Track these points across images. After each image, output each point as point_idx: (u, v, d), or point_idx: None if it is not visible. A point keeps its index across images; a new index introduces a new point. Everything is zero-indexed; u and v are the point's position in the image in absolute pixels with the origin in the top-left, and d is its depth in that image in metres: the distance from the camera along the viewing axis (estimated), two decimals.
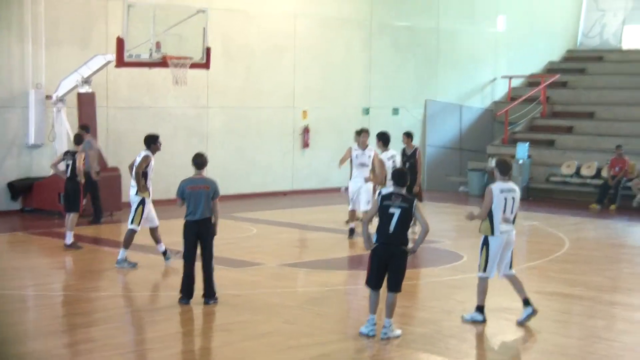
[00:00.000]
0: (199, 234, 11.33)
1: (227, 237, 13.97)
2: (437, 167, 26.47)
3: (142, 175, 13.62)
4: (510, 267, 10.94)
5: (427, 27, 27.20)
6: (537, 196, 23.98)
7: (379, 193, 14.39)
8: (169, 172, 19.85)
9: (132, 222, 13.62)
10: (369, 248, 10.13)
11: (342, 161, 16.63)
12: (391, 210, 9.87)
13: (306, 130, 24.00)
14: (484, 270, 10.68)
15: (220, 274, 11.83)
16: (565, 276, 13.76)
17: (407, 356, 9.42)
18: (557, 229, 18.43)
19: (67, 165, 15.11)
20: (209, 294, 11.35)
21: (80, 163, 14.97)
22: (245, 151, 22.20)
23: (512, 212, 10.63)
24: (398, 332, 10.01)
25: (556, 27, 31.35)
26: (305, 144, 23.65)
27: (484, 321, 10.60)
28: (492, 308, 11.58)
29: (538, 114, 27.54)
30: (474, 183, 24.97)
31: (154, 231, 13.89)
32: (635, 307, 11.70)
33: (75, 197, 15.07)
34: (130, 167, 13.95)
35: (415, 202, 9.98)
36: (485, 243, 10.66)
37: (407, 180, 10.35)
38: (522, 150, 24.36)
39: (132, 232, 13.60)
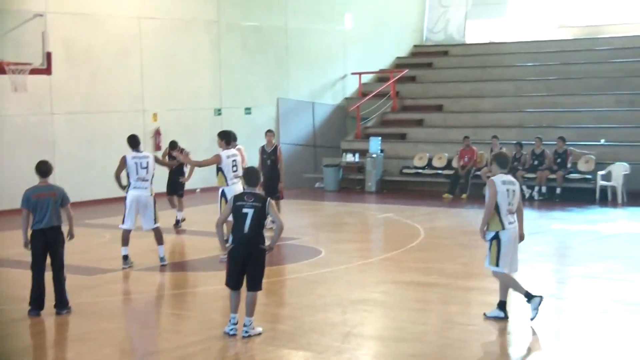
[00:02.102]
0: (48, 243, 11.00)
1: (79, 245, 13.62)
2: (293, 164, 26.62)
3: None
4: None
5: (276, 27, 27.37)
6: (391, 188, 24.52)
7: (222, 193, 14.43)
8: (13, 182, 19.18)
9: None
10: (225, 250, 10.12)
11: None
12: (244, 210, 9.86)
13: (157, 133, 23.70)
14: (497, 264, 10.43)
15: (73, 283, 11.53)
16: (420, 265, 14.11)
17: (269, 353, 9.44)
18: (412, 219, 18.90)
19: None
20: (61, 304, 11.04)
21: None
22: (94, 156, 21.69)
23: (514, 206, 10.47)
24: (259, 329, 10.02)
25: (402, 24, 32.17)
26: (157, 147, 23.33)
27: (505, 318, 10.45)
28: (352, 300, 11.79)
29: (389, 109, 28.15)
30: (329, 179, 25.28)
31: None
32: (488, 290, 12.07)
33: None
34: None
35: (268, 200, 10.00)
36: (496, 237, 10.40)
37: (259, 178, 10.41)
38: (375, 145, 24.85)
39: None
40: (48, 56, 17.94)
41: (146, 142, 23.49)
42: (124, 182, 14.15)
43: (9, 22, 17.63)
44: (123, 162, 14.07)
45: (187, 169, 18.15)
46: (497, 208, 10.38)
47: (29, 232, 11.06)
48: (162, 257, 14.14)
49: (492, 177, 10.58)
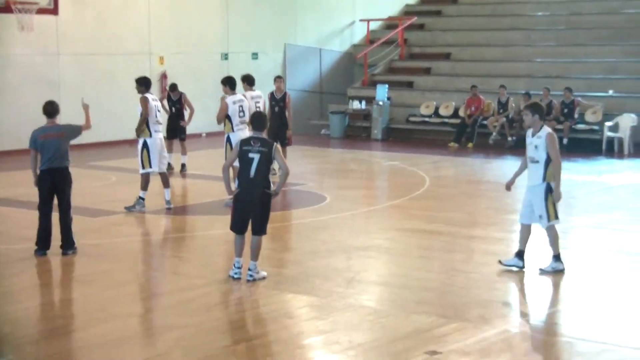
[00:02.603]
0: (55, 184, 11.01)
1: (85, 186, 13.69)
2: (299, 110, 26.44)
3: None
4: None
5: None
6: (397, 136, 24.48)
7: (227, 139, 14.40)
8: (20, 121, 19.23)
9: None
10: (231, 194, 10.12)
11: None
12: (250, 155, 9.83)
13: (164, 77, 23.60)
14: (556, 216, 10.20)
15: (78, 224, 11.58)
16: (425, 213, 14.13)
17: (273, 297, 9.50)
18: (418, 167, 18.88)
19: None
20: (67, 245, 11.10)
21: None
22: (100, 99, 21.57)
23: None
24: (263, 273, 10.07)
25: None
26: (164, 90, 23.23)
27: (523, 268, 10.32)
28: (356, 246, 11.84)
29: (396, 56, 27.97)
30: (335, 126, 25.26)
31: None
32: (492, 239, 12.14)
33: None
34: None
35: (275, 145, 9.95)
36: (550, 190, 10.12)
37: (266, 124, 10.31)
38: (381, 92, 24.75)
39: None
40: None
41: (153, 85, 23.41)
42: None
43: None
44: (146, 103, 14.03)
45: (187, 112, 18.12)
46: (548, 161, 10.15)
47: (38, 172, 11.08)
48: (168, 201, 14.18)
49: (549, 130, 10.20)
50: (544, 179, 10.17)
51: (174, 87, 18.35)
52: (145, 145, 13.96)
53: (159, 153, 14.05)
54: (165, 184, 14.18)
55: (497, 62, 26.17)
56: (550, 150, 10.11)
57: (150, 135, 13.96)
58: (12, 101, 20.40)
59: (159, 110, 14.22)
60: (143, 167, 13.98)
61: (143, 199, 13.96)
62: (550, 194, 10.17)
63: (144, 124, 13.97)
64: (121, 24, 22.75)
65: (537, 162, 10.21)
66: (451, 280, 10.15)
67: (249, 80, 15.44)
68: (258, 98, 15.38)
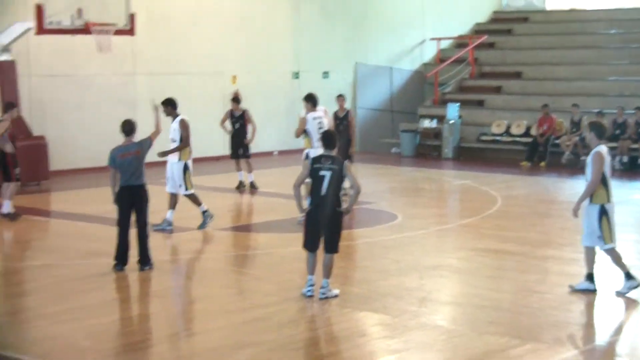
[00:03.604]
0: (133, 201, 11.24)
1: (161, 203, 13.86)
2: (369, 129, 26.63)
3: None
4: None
5: None
6: (468, 155, 24.32)
7: (306, 156, 14.54)
8: (97, 140, 19.66)
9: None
10: (303, 211, 10.18)
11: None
12: (322, 172, 9.90)
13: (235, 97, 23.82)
14: (611, 240, 10.07)
15: (155, 240, 11.77)
16: (497, 232, 14.01)
17: (345, 315, 9.52)
18: (489, 186, 18.73)
19: None
20: (144, 260, 11.31)
21: (1, 131, 14.53)
22: None
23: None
24: (336, 291, 10.10)
25: None
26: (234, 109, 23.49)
27: (595, 291, 10.14)
28: (428, 266, 11.80)
29: (467, 75, 27.85)
30: (406, 144, 25.21)
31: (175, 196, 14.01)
32: (566, 260, 11.98)
33: (3, 167, 14.74)
34: None
35: (346, 163, 10.01)
36: (603, 212, 10.01)
37: (337, 142, 10.30)
38: (452, 111, 24.67)
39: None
40: (132, 17, 18.13)
41: (225, 104, 23.75)
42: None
43: None
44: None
45: (249, 129, 18.18)
46: (603, 180, 10.03)
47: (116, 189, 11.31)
48: (170, 222, 14.04)
49: (597, 149, 10.06)
50: (592, 199, 10.06)
51: (237, 99, 18.41)
52: (186, 167, 13.99)
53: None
54: (173, 205, 14.11)
55: (569, 80, 25.86)
56: (590, 167, 9.98)
57: (189, 158, 14.06)
58: (90, 120, 20.86)
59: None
60: (187, 189, 13.95)
61: (206, 211, 14.03)
62: (605, 216, 10.01)
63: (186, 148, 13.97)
64: (194, 44, 23.09)
65: (587, 181, 10.13)
66: (525, 300, 10.05)
67: (312, 101, 15.17)
68: (319, 118, 15.23)
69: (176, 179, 13.96)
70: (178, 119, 13.97)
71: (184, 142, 13.91)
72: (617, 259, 10.18)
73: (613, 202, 10.16)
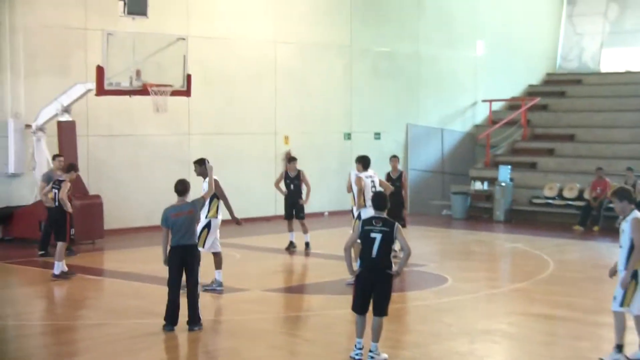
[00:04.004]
0: (184, 260, 11.28)
1: (211, 263, 13.93)
2: (420, 190, 26.55)
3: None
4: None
5: (408, 52, 27.40)
6: (520, 218, 24.09)
7: (358, 216, 14.55)
8: (150, 199, 19.92)
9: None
10: (352, 273, 10.14)
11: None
12: (372, 235, 9.86)
13: (287, 157, 24.02)
14: (629, 304, 9.84)
15: (204, 300, 11.81)
16: (549, 297, 13.81)
17: None
18: (541, 250, 18.50)
19: (55, 194, 15.00)
20: (194, 321, 11.30)
21: (64, 192, 14.86)
22: (227, 177, 21.97)
23: None
24: (385, 356, 9.98)
25: (535, 51, 31.67)
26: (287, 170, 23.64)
27: None
28: (479, 330, 11.65)
29: (519, 137, 27.74)
30: (457, 206, 25.08)
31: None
32: None
33: (61, 225, 14.95)
34: None
35: (396, 225, 9.96)
36: (636, 277, 9.77)
37: (387, 203, 10.29)
38: (504, 173, 24.53)
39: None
40: (188, 78, 18.41)
41: (277, 164, 23.95)
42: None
43: (153, 45, 18.17)
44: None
45: (304, 190, 18.22)
46: (631, 247, 9.83)
47: (168, 249, 11.39)
48: (220, 282, 13.99)
49: (635, 214, 9.85)
50: (626, 266, 9.79)
51: (292, 158, 18.52)
52: (208, 225, 13.85)
53: (215, 234, 14.00)
54: (218, 265, 14.03)
55: (623, 143, 25.60)
56: (634, 235, 9.73)
57: (216, 217, 13.99)
58: (144, 179, 21.14)
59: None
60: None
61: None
62: (635, 280, 9.74)
63: (216, 206, 13.92)
64: (248, 105, 23.39)
65: (621, 247, 9.91)
66: None
67: (364, 162, 15.14)
68: (372, 177, 15.27)
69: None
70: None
71: (206, 194, 13.79)
72: (619, 325, 9.94)
73: None
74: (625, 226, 9.92)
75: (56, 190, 14.98)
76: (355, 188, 14.67)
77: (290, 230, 18.32)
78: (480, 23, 29.59)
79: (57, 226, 15.05)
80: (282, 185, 18.44)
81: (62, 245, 14.87)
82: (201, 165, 13.85)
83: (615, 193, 10.25)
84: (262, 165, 23.78)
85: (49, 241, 16.75)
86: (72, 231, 15.05)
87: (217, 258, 14.00)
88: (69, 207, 14.95)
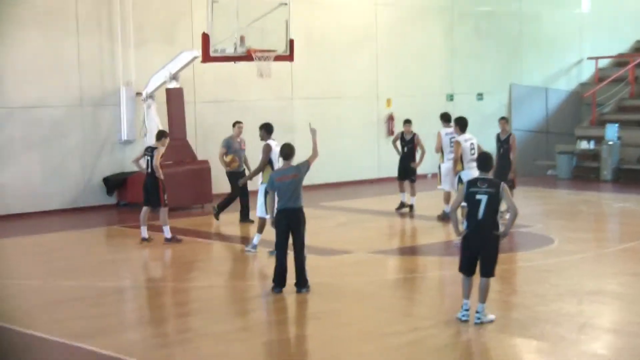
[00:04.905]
0: (290, 224, 11.33)
1: (316, 226, 14.01)
2: (525, 151, 25.93)
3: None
4: None
5: (510, 11, 26.86)
6: (628, 177, 23.40)
7: (459, 179, 14.50)
8: (256, 163, 20.07)
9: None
10: (459, 235, 10.05)
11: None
12: (478, 196, 9.76)
13: (391, 119, 23.95)
14: None
15: (311, 263, 11.85)
16: None
17: (502, 341, 9.31)
18: None
19: (147, 161, 15.08)
20: (301, 283, 11.37)
21: (157, 159, 14.91)
22: (331, 141, 22.11)
23: None
24: (492, 317, 9.89)
25: None
26: (391, 132, 23.58)
27: None
28: (587, 291, 11.40)
29: (627, 94, 26.88)
30: (562, 166, 24.59)
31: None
32: None
33: (155, 192, 14.98)
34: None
35: (502, 185, 9.80)
36: None
37: (492, 164, 10.20)
38: (611, 132, 23.88)
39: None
40: (291, 43, 18.38)
41: (380, 127, 23.88)
42: None
43: (256, 11, 18.22)
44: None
45: (418, 154, 18.16)
46: None
47: (275, 212, 11.47)
48: (255, 245, 14.02)
49: None
50: None
51: (408, 121, 18.42)
52: (267, 191, 13.85)
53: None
54: (261, 229, 13.98)
55: None
56: None
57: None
58: (249, 144, 21.29)
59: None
60: (267, 212, 13.40)
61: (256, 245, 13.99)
62: None
63: (262, 171, 13.87)
64: (350, 69, 23.36)
65: None
66: None
67: (462, 124, 15.40)
68: (470, 139, 15.25)
69: (258, 201, 13.97)
70: (264, 143, 14.03)
71: (258, 167, 13.94)
72: None
73: None
74: None
75: (149, 158, 14.99)
76: (449, 151, 14.64)
77: (402, 191, 18.29)
78: None
79: (150, 192, 15.02)
80: (399, 144, 18.36)
81: (164, 211, 15.00)
82: (261, 130, 14.12)
83: None
84: (365, 129, 23.78)
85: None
86: (166, 196, 15.13)
87: (263, 222, 13.93)
88: (161, 174, 14.94)
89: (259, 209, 14.02)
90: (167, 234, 15.03)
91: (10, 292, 12.05)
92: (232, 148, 16.69)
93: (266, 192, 13.60)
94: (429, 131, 23.22)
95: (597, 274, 12.64)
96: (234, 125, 17.20)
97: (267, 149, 13.95)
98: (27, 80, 18.74)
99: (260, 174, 14.03)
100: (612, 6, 29.21)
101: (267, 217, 13.44)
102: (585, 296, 11.18)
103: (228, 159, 16.50)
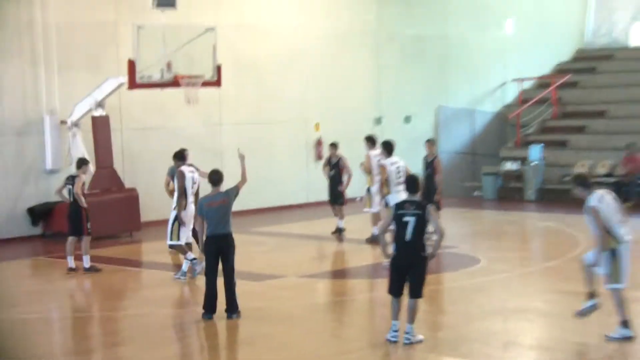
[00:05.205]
0: (220, 249, 11.42)
1: (245, 251, 14.10)
2: (451, 172, 26.43)
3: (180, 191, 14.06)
4: None
5: (435, 35, 27.24)
6: (551, 197, 24.00)
7: (386, 203, 14.76)
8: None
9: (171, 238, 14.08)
10: (388, 257, 10.25)
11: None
12: (405, 218, 9.93)
13: (319, 143, 24.13)
14: (618, 281, 10.11)
15: (241, 288, 11.93)
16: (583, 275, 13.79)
17: None
18: (573, 228, 18.43)
19: (69, 190, 15.01)
20: (232, 308, 11.44)
21: (78, 187, 14.85)
22: (259, 166, 22.14)
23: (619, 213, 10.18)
24: (421, 337, 10.09)
25: (564, 28, 31.27)
26: (319, 156, 23.78)
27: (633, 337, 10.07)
28: (512, 309, 11.73)
29: (549, 116, 27.61)
30: (488, 187, 25.07)
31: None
32: None
33: (78, 220, 14.91)
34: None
35: (429, 207, 10.04)
36: (614, 254, 10.10)
37: (420, 187, 10.42)
38: (535, 152, 24.51)
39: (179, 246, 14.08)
40: (218, 69, 18.48)
41: (308, 152, 24.08)
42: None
43: (183, 37, 18.28)
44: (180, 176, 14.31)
45: (345, 178, 18.37)
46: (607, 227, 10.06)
47: (204, 238, 11.56)
48: (184, 272, 14.03)
49: (590, 203, 10.04)
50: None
51: (334, 145, 18.63)
52: (177, 217, 14.08)
53: (188, 224, 14.13)
54: (184, 253, 14.14)
55: None
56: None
57: (185, 208, 14.09)
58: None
59: (194, 182, 14.37)
60: (171, 239, 14.06)
61: (195, 258, 13.92)
62: (614, 257, 10.10)
63: (182, 198, 14.09)
64: (278, 93, 23.44)
65: None
66: (612, 344, 9.90)
67: (389, 148, 15.69)
68: (397, 163, 15.58)
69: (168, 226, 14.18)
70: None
71: (178, 195, 14.16)
72: (618, 301, 10.16)
73: (625, 241, 10.15)
74: None
75: (70, 186, 14.95)
76: (376, 173, 14.97)
77: (335, 214, 18.44)
78: (510, 1, 29.38)
79: (73, 221, 14.96)
80: (327, 169, 18.57)
81: (86, 240, 14.90)
82: (178, 160, 14.52)
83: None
84: (294, 153, 23.89)
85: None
86: (89, 225, 15.07)
87: (188, 247, 14.28)
88: (83, 202, 14.88)
89: (168, 237, 14.16)
90: (87, 263, 14.90)
91: None
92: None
93: (174, 219, 13.83)
94: (358, 154, 23.56)
95: (522, 293, 13.00)
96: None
97: (180, 176, 14.17)
98: None
99: (182, 197, 14.14)
100: (534, 29, 29.94)
101: (173, 243, 13.69)
102: (510, 314, 11.51)
103: (172, 187, 16.36)
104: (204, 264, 11.78)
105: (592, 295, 10.32)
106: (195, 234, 13.37)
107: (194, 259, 13.83)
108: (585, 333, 10.47)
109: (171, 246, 14.31)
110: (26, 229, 19.40)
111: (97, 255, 15.76)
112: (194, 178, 14.38)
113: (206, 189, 12.28)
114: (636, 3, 31.21)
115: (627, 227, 10.23)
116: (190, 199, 14.18)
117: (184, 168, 14.28)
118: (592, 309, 10.33)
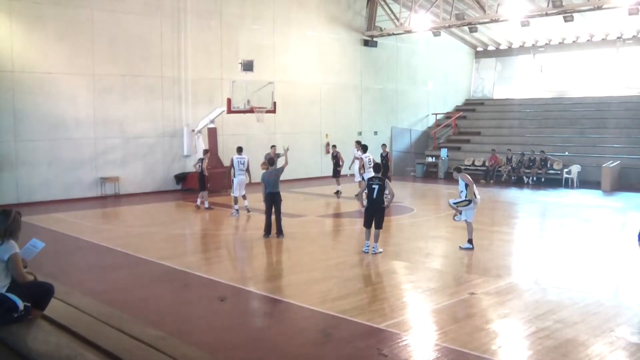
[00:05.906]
0: (273, 200, 11.27)
1: (286, 201, 13.83)
2: (399, 163, 26.26)
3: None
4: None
5: (391, 88, 26.88)
6: (451, 177, 22.97)
7: (362, 178, 14.53)
8: (252, 167, 19.91)
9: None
10: (363, 207, 10.13)
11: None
12: (373, 186, 9.85)
13: (327, 144, 23.78)
14: (469, 217, 10.11)
15: (284, 221, 11.81)
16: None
17: (385, 262, 9.41)
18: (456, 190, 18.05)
19: (199, 166, 15.00)
20: (279, 232, 11.32)
21: (204, 164, 14.90)
22: (295, 155, 21.43)
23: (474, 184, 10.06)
24: (380, 250, 10.00)
25: (459, 86, 30.71)
26: (327, 151, 23.40)
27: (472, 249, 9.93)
28: (430, 236, 11.44)
29: (451, 133, 27.21)
30: (419, 170, 24.74)
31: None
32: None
33: (202, 182, 14.95)
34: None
35: (386, 180, 9.93)
36: (469, 203, 10.09)
37: (380, 169, 10.48)
38: (444, 153, 24.19)
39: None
40: (274, 104, 18.34)
41: (322, 148, 23.68)
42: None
43: (256, 86, 18.22)
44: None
45: (340, 163, 17.94)
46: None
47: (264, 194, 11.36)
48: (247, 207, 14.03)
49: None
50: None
51: (334, 146, 18.32)
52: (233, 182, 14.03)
53: (239, 186, 13.96)
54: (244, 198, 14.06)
55: (506, 136, 25.00)
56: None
57: (235, 177, 14.00)
58: (250, 158, 20.82)
59: (241, 164, 14.03)
60: (233, 192, 14.07)
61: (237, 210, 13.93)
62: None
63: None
64: (305, 117, 23.14)
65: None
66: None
67: (364, 147, 15.66)
68: (368, 156, 15.35)
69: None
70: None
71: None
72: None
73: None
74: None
75: (200, 164, 14.95)
76: (358, 163, 14.76)
77: (338, 183, 17.95)
78: (430, 72, 28.91)
79: (201, 182, 14.95)
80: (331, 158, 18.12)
81: (206, 193, 14.93)
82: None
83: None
84: (314, 149, 23.62)
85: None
86: (208, 185, 15.16)
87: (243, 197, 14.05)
88: (206, 172, 14.92)
89: (234, 191, 14.03)
90: (206, 205, 14.90)
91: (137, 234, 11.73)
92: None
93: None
94: (349, 151, 23.26)
95: (435, 227, 12.79)
96: (271, 147, 16.56)
97: (231, 162, 14.10)
98: (139, 120, 18.27)
99: (232, 170, 14.03)
100: (443, 86, 29.53)
101: (235, 194, 13.65)
102: (429, 239, 11.31)
103: (263, 167, 15.96)
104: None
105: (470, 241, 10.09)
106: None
107: (240, 208, 13.80)
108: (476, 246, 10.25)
109: (234, 197, 14.10)
110: (173, 186, 19.28)
111: (211, 201, 15.60)
112: (242, 161, 14.06)
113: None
114: (495, 76, 30.63)
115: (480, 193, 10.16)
116: (239, 173, 13.93)
117: (237, 157, 14.09)
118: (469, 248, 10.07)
